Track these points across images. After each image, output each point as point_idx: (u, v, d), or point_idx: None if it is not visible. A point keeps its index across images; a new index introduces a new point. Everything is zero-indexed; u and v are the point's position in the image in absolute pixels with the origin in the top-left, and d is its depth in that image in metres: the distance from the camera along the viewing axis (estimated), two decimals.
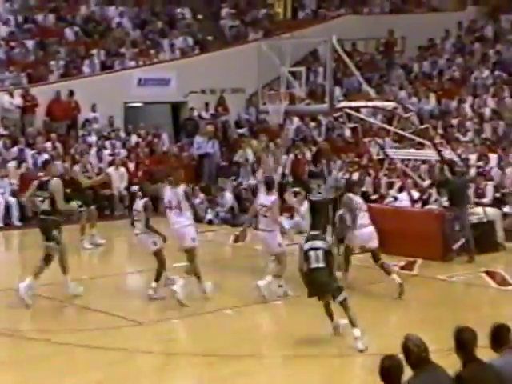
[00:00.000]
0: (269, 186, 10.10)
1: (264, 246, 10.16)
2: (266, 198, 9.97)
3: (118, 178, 17.66)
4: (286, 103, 12.64)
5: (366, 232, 10.19)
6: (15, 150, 17.33)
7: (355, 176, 15.86)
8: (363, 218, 10.23)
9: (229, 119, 21.12)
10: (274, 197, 10.03)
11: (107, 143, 18.71)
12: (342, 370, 7.52)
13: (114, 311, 9.32)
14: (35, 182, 10.13)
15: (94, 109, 19.20)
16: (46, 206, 9.81)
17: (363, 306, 9.19)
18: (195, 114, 20.79)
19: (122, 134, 19.46)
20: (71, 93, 18.93)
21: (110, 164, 17.89)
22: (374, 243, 10.19)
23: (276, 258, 10.05)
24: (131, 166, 18.34)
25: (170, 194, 10.14)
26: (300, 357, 7.71)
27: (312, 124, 19.65)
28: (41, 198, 9.88)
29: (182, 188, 10.13)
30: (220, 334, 8.56)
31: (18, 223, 16.02)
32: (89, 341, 8.08)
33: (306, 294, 8.24)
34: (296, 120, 19.95)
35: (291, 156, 17.93)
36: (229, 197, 16.82)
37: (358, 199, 10.37)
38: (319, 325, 8.68)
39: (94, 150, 18.02)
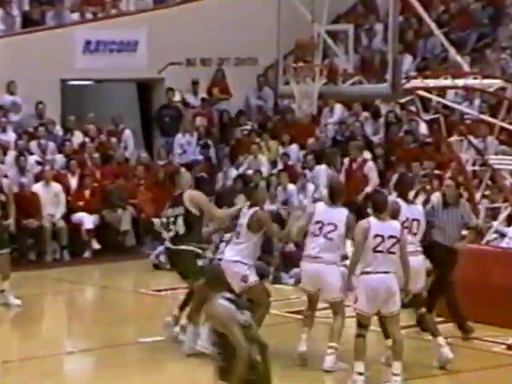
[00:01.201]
0: (381, 207, 10.25)
1: (385, 296, 10.13)
2: (387, 226, 10.11)
3: (51, 201, 17.86)
4: (322, 82, 12.79)
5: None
6: None
7: (435, 197, 15.94)
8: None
9: (230, 107, 21.36)
10: (397, 222, 10.37)
11: (33, 145, 18.93)
12: None
13: None
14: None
15: (11, 89, 19.43)
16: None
17: None
18: (177, 98, 21.02)
19: (59, 131, 19.69)
20: None
21: (38, 178, 18.12)
22: None
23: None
24: (73, 181, 18.53)
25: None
26: None
27: (364, 115, 19.81)
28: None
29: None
30: None
31: None
32: None
33: None
34: (339, 108, 20.10)
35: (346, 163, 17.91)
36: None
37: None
38: None
39: (11, 156, 18.26)
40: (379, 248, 9.95)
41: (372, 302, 10.01)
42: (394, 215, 10.61)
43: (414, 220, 10.77)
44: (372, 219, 10.07)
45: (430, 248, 11.72)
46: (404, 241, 10.13)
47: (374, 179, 17.57)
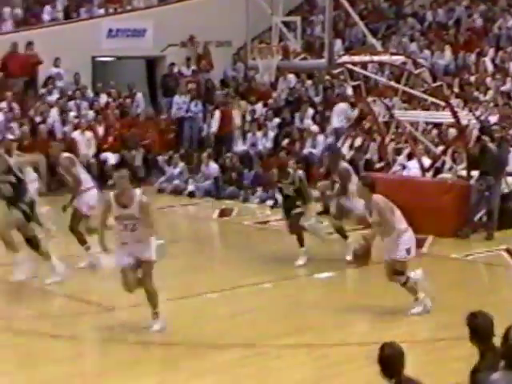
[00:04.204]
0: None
1: None
2: None
3: (85, 145, 17.66)
4: (278, 58, 12.61)
5: None
6: None
7: (357, 141, 15.88)
8: None
9: (213, 77, 21.09)
10: None
11: (72, 104, 18.64)
12: (340, 361, 7.60)
13: (80, 295, 9.37)
14: None
15: (57, 63, 19.10)
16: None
17: (362, 289, 9.28)
18: (174, 70, 20.75)
19: (90, 94, 19.41)
20: (30, 44, 18.78)
21: (76, 128, 17.88)
22: None
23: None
24: (100, 130, 18.32)
25: None
26: (293, 346, 7.80)
27: (309, 82, 19.62)
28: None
29: None
30: (203, 320, 8.62)
31: None
32: (53, 329, 8.12)
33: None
34: (290, 77, 19.91)
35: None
36: (213, 166, 16.89)
37: None
38: (315, 311, 8.79)
39: (55, 112, 18.00)
40: None
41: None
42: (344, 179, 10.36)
43: None
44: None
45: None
46: None
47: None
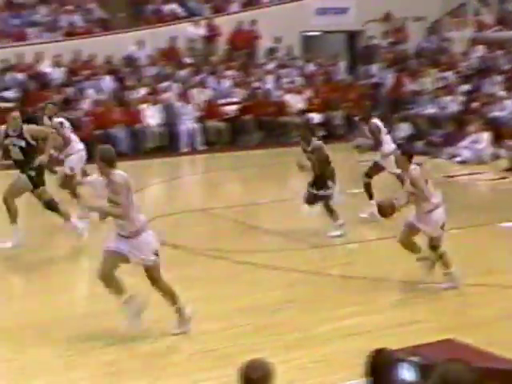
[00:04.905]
0: None
1: None
2: None
3: (294, 105, 17.84)
4: (472, 30, 11.94)
5: None
6: (199, 77, 17.91)
7: None
8: None
9: (408, 48, 20.38)
10: None
11: (285, 71, 18.85)
12: None
13: (292, 234, 9.50)
14: None
15: (274, 38, 19.33)
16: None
17: None
18: (373, 42, 20.30)
19: (300, 63, 19.52)
20: (253, 22, 19.17)
21: (287, 91, 18.07)
22: None
23: None
24: (308, 93, 18.38)
25: None
26: (483, 286, 7.61)
27: (499, 52, 18.36)
28: None
29: None
30: (396, 259, 8.46)
31: (201, 148, 16.69)
32: (269, 262, 8.30)
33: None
34: (481, 48, 18.76)
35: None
36: (403, 126, 16.56)
37: None
38: (502, 255, 8.39)
39: (271, 78, 18.31)
40: None
41: None
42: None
43: None
44: None
45: None
46: None
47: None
